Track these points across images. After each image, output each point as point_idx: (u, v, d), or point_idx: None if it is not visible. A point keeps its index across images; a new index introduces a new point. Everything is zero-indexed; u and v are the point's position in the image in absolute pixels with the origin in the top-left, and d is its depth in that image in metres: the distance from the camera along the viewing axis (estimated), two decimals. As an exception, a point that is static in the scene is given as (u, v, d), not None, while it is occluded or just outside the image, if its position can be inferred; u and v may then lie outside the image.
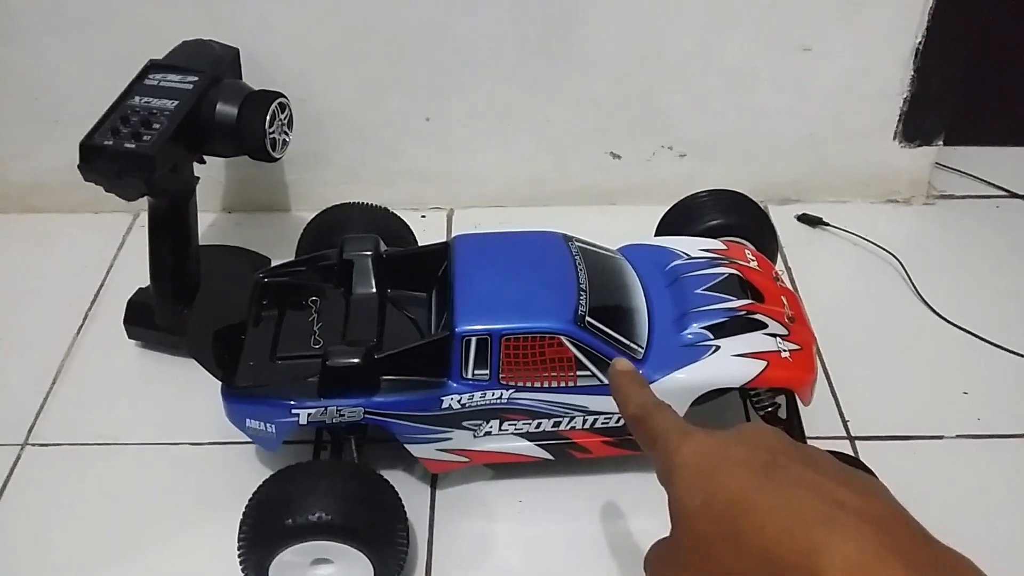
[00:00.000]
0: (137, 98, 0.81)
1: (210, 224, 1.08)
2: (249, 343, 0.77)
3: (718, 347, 0.74)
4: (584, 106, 1.04)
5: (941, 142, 1.08)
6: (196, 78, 0.83)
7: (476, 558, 0.76)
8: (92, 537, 0.77)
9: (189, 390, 0.87)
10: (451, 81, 1.01)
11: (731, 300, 0.77)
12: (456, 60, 1.00)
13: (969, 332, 0.95)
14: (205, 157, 0.87)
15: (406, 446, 0.75)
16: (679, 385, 0.73)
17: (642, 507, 0.79)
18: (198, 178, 0.87)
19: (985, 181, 1.14)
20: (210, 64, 0.86)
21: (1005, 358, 0.92)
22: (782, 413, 0.78)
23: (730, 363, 0.73)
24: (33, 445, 0.84)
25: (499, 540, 0.77)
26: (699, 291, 0.78)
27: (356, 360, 0.71)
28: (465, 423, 0.74)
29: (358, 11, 0.96)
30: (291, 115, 0.88)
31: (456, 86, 1.02)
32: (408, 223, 0.94)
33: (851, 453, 0.82)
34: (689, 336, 0.75)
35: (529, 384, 0.72)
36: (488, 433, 0.75)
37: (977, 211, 1.11)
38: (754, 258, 0.83)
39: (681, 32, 0.99)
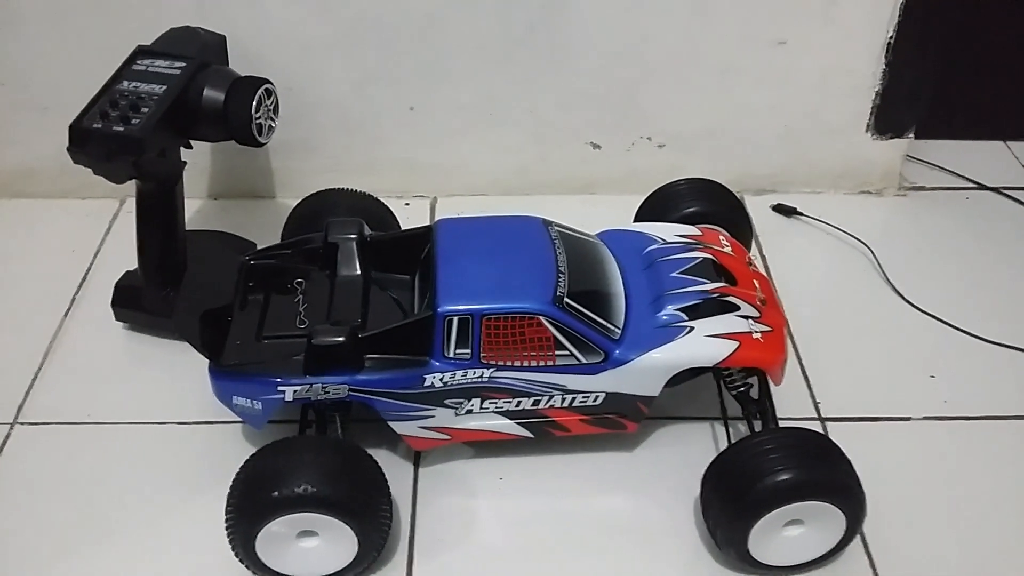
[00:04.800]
0: (126, 83, 0.83)
1: (196, 210, 1.09)
2: (236, 323, 0.79)
3: (692, 328, 0.76)
4: (566, 98, 1.06)
5: (912, 135, 1.11)
6: (184, 64, 0.84)
7: (458, 533, 0.78)
8: (80, 514, 0.79)
9: (175, 371, 0.88)
10: (436, 72, 1.03)
11: (705, 283, 0.79)
12: (441, 51, 1.02)
13: (937, 318, 0.98)
14: (192, 142, 0.88)
15: (389, 423, 0.77)
16: (654, 364, 0.75)
17: (619, 484, 0.82)
18: (185, 163, 0.89)
19: (955, 173, 1.17)
20: (197, 50, 0.87)
21: (971, 343, 0.95)
22: (754, 393, 0.80)
23: (703, 343, 0.76)
24: (22, 424, 0.86)
25: (480, 516, 0.79)
26: (674, 274, 0.80)
27: (341, 339, 0.73)
28: (447, 401, 0.76)
29: (345, 1, 0.98)
30: (277, 101, 0.90)
31: (440, 77, 1.04)
32: (392, 210, 0.96)
33: (822, 433, 0.85)
34: (664, 317, 0.77)
35: (509, 363, 0.74)
36: (469, 411, 0.77)
37: (947, 202, 1.14)
38: (728, 244, 0.86)
39: (661, 26, 1.01)
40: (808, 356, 0.93)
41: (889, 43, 1.03)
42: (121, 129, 0.79)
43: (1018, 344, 0.95)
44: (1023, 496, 0.81)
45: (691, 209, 0.91)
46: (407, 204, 1.11)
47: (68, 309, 0.97)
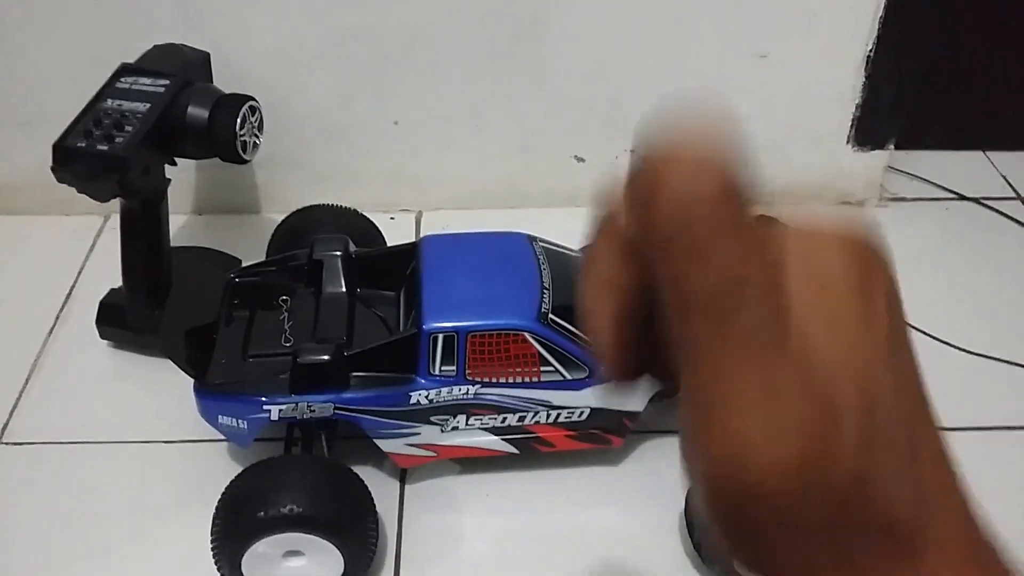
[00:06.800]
0: (109, 101, 0.83)
1: (181, 226, 1.09)
2: (221, 342, 0.79)
3: (677, 343, 0.77)
4: (550, 110, 1.06)
5: (893, 146, 1.12)
6: (168, 81, 0.84)
7: (444, 550, 0.78)
8: (66, 534, 0.78)
9: (161, 389, 0.88)
10: (420, 84, 1.04)
11: (689, 298, 0.80)
12: (425, 64, 1.02)
13: (920, 330, 0.98)
14: (176, 159, 0.88)
15: (375, 441, 0.77)
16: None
17: (605, 499, 0.82)
18: (169, 180, 0.89)
19: (936, 184, 1.18)
20: (181, 68, 0.87)
21: (955, 355, 0.96)
22: (739, 407, 0.81)
23: (688, 358, 0.76)
24: (6, 444, 0.85)
25: (467, 533, 0.79)
26: (659, 290, 0.80)
27: (326, 357, 0.73)
28: (433, 418, 0.76)
29: (328, 16, 0.98)
30: (261, 118, 0.90)
31: (424, 89, 1.04)
32: (377, 225, 0.96)
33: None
34: (649, 333, 0.77)
35: (495, 380, 0.75)
36: (455, 428, 0.77)
37: (928, 213, 1.15)
38: (712, 258, 0.86)
39: (644, 39, 1.02)
40: (792, 368, 0.93)
41: (869, 55, 1.03)
42: (105, 148, 0.78)
43: (1000, 355, 0.96)
44: (1008, 508, 0.82)
45: (675, 223, 0.92)
46: (392, 218, 1.11)
47: (52, 328, 0.97)
